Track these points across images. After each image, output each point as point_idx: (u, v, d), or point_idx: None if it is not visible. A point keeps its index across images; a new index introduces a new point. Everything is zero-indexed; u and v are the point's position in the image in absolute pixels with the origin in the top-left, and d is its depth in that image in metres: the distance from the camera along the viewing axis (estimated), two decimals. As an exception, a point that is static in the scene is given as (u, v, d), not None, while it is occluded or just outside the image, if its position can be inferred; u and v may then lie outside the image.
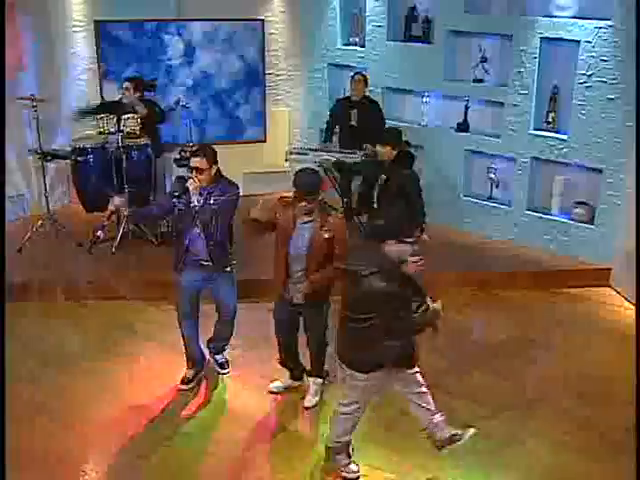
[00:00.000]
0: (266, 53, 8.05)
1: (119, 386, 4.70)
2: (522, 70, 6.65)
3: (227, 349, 4.91)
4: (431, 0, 7.18)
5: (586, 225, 6.66)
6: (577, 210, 6.72)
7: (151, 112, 6.61)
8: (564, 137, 6.59)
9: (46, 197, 6.82)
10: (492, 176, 7.24)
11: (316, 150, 6.90)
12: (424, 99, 7.47)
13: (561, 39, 6.38)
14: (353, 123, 6.94)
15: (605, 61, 6.15)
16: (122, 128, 6.40)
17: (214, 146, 4.40)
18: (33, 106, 6.39)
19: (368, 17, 7.53)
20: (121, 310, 5.75)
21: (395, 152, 5.30)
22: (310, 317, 4.38)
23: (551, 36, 6.42)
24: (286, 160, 6.99)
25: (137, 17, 7.45)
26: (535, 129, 6.79)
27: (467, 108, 7.22)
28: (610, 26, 6.06)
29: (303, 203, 4.04)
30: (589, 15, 6.21)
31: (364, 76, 6.90)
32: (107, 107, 6.68)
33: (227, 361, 4.91)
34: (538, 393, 4.67)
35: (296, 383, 4.75)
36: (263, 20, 7.90)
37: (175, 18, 7.62)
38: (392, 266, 3.39)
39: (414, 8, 7.37)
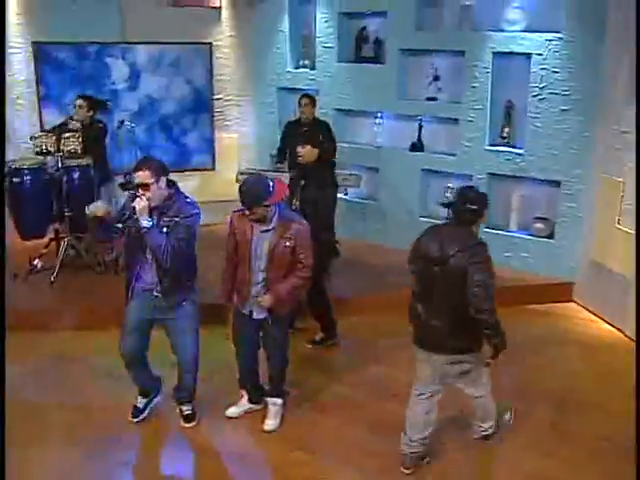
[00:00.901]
0: (214, 78, 7.96)
1: (66, 424, 4.28)
2: (476, 85, 6.73)
3: (193, 399, 4.34)
4: (382, 19, 7.23)
5: (546, 240, 6.64)
6: (537, 225, 6.73)
7: (101, 131, 6.43)
8: (520, 151, 6.63)
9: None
10: (448, 195, 7.17)
11: (266, 171, 6.76)
12: (377, 120, 7.48)
13: (513, 53, 6.51)
14: None
15: (557, 73, 6.27)
16: (62, 147, 6.12)
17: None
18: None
19: (318, 38, 7.58)
20: (64, 340, 5.39)
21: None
22: (271, 333, 4.17)
23: (503, 50, 6.54)
24: (236, 181, 6.82)
25: (79, 39, 7.28)
26: (491, 145, 6.84)
27: (421, 127, 7.25)
28: (560, 38, 6.20)
29: (255, 211, 3.89)
30: (539, 28, 6.36)
31: (312, 97, 6.86)
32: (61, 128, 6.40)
33: (194, 413, 4.33)
34: (519, 406, 4.44)
35: (255, 407, 4.49)
36: (211, 44, 7.87)
37: (119, 41, 7.49)
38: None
39: (364, 29, 7.45)
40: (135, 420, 4.30)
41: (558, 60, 6.24)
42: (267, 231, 3.97)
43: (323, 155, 5.46)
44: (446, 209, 3.77)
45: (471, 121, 6.83)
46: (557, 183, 6.50)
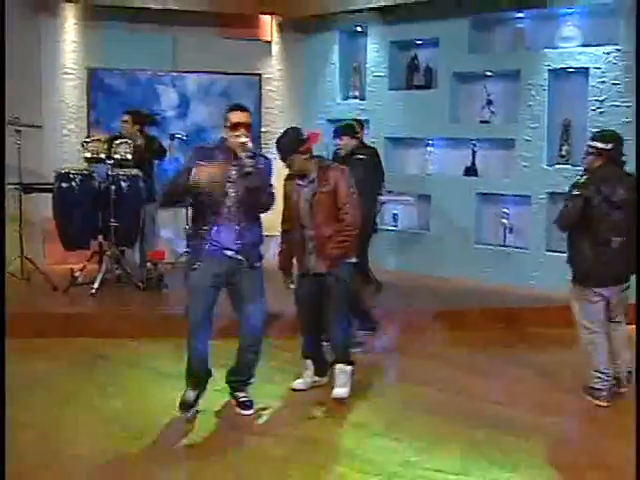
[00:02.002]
0: (262, 110, 8.23)
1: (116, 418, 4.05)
2: (532, 104, 6.86)
3: (252, 382, 4.17)
4: (432, 49, 7.49)
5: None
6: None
7: (149, 144, 6.57)
8: (581, 168, 6.59)
9: (20, 235, 6.54)
10: (504, 221, 7.19)
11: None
12: (428, 148, 7.61)
13: (569, 68, 6.68)
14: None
15: (617, 85, 6.39)
16: (113, 155, 6.28)
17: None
18: (17, 130, 6.36)
19: (369, 68, 7.87)
20: (103, 345, 5.31)
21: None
22: (332, 291, 4.19)
23: (559, 67, 6.72)
24: None
25: (132, 66, 7.65)
26: (549, 164, 6.84)
27: (474, 152, 7.33)
28: (618, 50, 6.36)
29: (290, 165, 4.13)
30: (595, 42, 6.55)
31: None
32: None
33: (251, 401, 4.12)
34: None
35: (320, 380, 4.47)
36: (260, 75, 8.21)
37: (171, 69, 7.85)
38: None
39: (415, 57, 7.73)
40: (186, 414, 3.99)
41: (617, 72, 6.37)
42: (309, 183, 4.15)
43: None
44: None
45: (528, 141, 6.90)
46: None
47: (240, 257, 3.82)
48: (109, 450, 3.58)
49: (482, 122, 7.28)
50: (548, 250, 6.90)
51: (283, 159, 4.12)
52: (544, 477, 3.40)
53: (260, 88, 8.22)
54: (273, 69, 8.33)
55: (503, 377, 4.79)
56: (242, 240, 3.80)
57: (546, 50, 6.79)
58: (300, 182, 4.19)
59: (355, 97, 8.03)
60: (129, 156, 6.30)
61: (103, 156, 6.29)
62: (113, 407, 4.15)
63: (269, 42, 8.23)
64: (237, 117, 3.77)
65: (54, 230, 6.56)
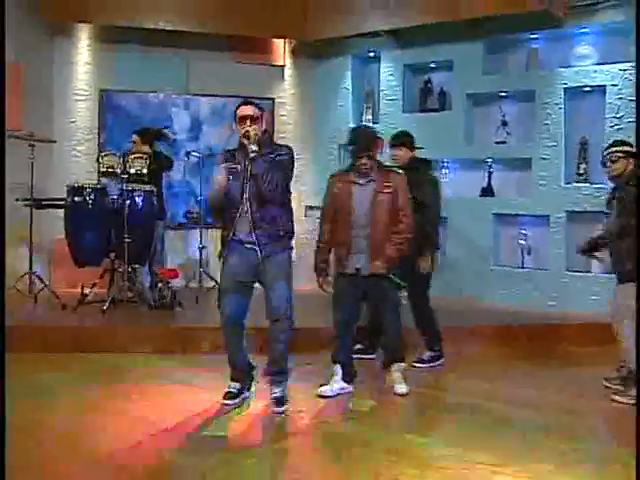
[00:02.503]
0: (275, 134, 8.31)
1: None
2: (548, 123, 6.98)
3: (284, 377, 4.13)
4: (447, 69, 7.66)
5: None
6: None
7: (154, 157, 6.60)
8: (601, 185, 6.68)
9: (30, 252, 6.52)
10: (522, 242, 7.21)
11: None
12: (444, 170, 7.67)
13: (585, 86, 6.83)
14: None
15: (633, 101, 6.49)
16: (128, 169, 6.31)
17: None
18: (30, 145, 6.42)
19: (382, 92, 8.01)
20: (121, 360, 5.25)
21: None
22: (382, 289, 4.33)
23: (575, 85, 6.88)
24: (305, 216, 6.99)
25: (144, 88, 7.78)
26: (566, 183, 6.92)
27: (490, 173, 7.41)
28: (634, 66, 6.48)
29: (363, 160, 4.24)
30: (611, 60, 6.72)
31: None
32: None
33: (284, 397, 4.09)
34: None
35: (347, 388, 4.45)
36: (273, 100, 8.34)
37: (183, 92, 7.99)
38: None
39: (429, 81, 7.88)
40: (229, 402, 4.10)
41: (633, 89, 6.48)
42: (368, 183, 4.28)
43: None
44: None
45: (545, 159, 6.99)
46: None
47: (257, 248, 3.92)
48: (148, 448, 3.52)
49: (497, 143, 7.39)
50: (568, 270, 6.89)
51: (358, 155, 4.25)
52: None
53: (273, 112, 8.33)
54: (286, 93, 8.48)
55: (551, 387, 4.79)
56: (259, 231, 3.91)
57: (561, 69, 6.96)
58: (359, 181, 4.30)
59: (369, 121, 8.11)
60: (145, 171, 6.34)
61: (118, 171, 6.32)
62: (141, 410, 4.08)
63: (282, 66, 8.41)
64: (241, 111, 3.98)
65: (62, 251, 6.55)
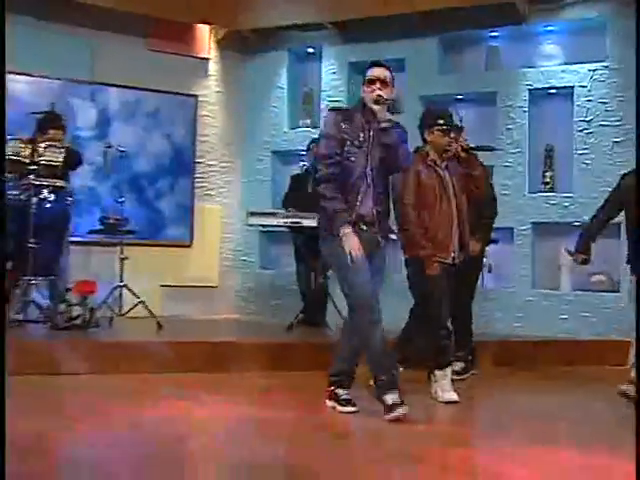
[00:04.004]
0: (197, 137, 8.28)
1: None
2: (511, 127, 7.29)
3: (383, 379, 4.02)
4: (398, 69, 7.81)
5: (608, 293, 6.77)
6: (596, 278, 6.89)
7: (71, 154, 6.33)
8: (569, 194, 7.04)
9: None
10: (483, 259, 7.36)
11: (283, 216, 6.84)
12: (394, 180, 7.80)
13: (552, 88, 7.23)
14: (310, 191, 7.03)
15: (605, 103, 6.96)
16: (37, 159, 5.99)
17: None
18: None
19: (323, 93, 8.17)
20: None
21: None
22: (463, 277, 4.84)
23: (540, 86, 7.26)
24: (250, 225, 7.07)
25: (39, 72, 7.45)
26: (531, 193, 7.19)
27: (447, 183, 7.58)
28: (605, 67, 6.96)
29: (448, 138, 4.72)
30: (579, 60, 7.16)
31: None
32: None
33: (400, 403, 3.95)
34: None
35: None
36: (196, 97, 8.31)
37: (89, 80, 7.74)
38: None
39: (377, 80, 8.04)
40: (351, 409, 4.12)
41: (605, 90, 6.96)
42: (446, 165, 4.71)
43: None
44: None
45: (508, 167, 7.27)
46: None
47: (376, 229, 4.06)
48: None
49: (454, 150, 7.60)
50: (534, 288, 7.11)
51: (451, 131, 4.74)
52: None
53: (196, 111, 8.29)
54: (210, 91, 8.45)
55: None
56: (380, 207, 4.06)
57: (525, 69, 7.34)
58: (441, 164, 4.68)
59: (306, 126, 8.26)
60: (60, 161, 6.07)
61: (27, 160, 6.01)
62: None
63: (206, 59, 8.39)
64: (372, 72, 4.09)
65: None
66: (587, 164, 6.97)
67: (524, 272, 7.17)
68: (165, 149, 8.19)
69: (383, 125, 3.96)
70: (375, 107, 3.99)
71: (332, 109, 4.28)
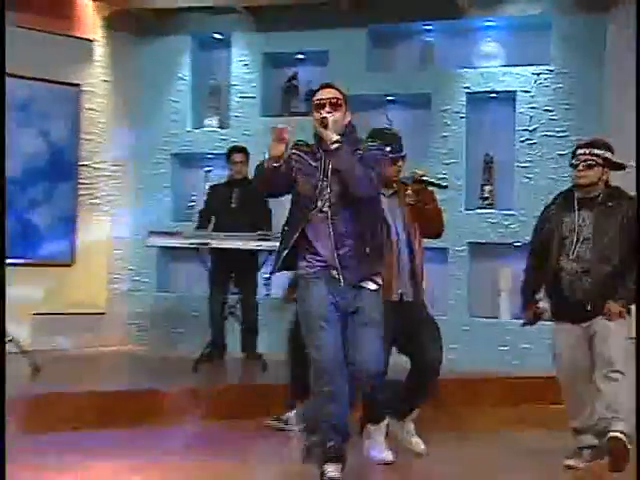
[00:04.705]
0: (81, 135, 8.51)
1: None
2: (446, 134, 7.95)
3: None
4: (319, 63, 8.50)
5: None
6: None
7: None
8: (510, 212, 7.71)
9: None
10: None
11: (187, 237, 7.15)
12: (315, 190, 8.32)
13: (492, 92, 7.93)
14: (234, 206, 7.42)
15: (550, 111, 7.69)
16: None
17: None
18: None
19: (234, 87, 8.66)
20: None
21: None
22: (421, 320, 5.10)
23: (479, 90, 7.95)
24: (148, 246, 7.45)
25: None
26: (468, 209, 7.81)
27: (374, 196, 8.14)
28: (550, 71, 7.69)
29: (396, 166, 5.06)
30: (522, 62, 7.87)
31: (245, 151, 7.53)
32: None
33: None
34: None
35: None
36: (79, 86, 8.48)
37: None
38: None
39: (295, 76, 8.67)
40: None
41: (550, 96, 7.69)
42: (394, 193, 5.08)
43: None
44: None
45: (442, 179, 7.76)
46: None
47: (339, 274, 4.20)
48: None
49: (382, 158, 8.18)
50: (471, 316, 7.73)
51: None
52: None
53: (78, 104, 8.48)
54: (96, 79, 8.61)
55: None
56: (346, 249, 4.20)
57: (463, 70, 8.03)
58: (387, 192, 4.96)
59: (213, 125, 8.70)
60: None
61: None
62: None
63: (90, 41, 8.51)
64: (319, 95, 4.30)
65: None
66: (529, 178, 7.67)
67: (459, 298, 7.80)
68: (40, 149, 8.21)
69: (333, 147, 4.13)
70: (322, 130, 4.16)
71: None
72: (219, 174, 8.34)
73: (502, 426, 6.11)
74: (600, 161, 4.74)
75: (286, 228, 4.34)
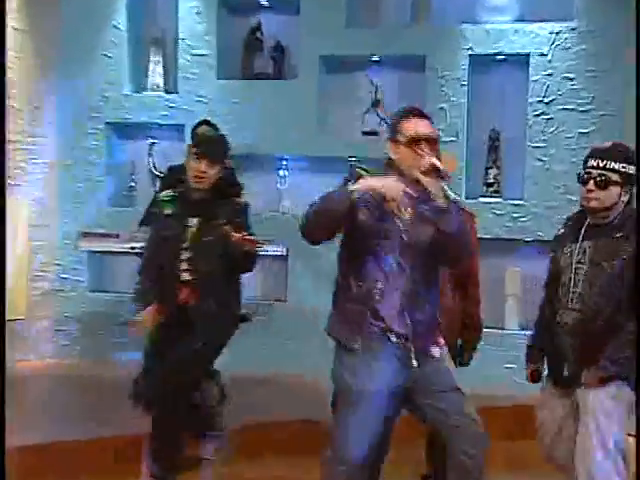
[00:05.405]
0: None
1: None
2: (443, 106, 7.97)
3: None
4: (288, 12, 8.49)
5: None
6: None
7: None
8: (518, 202, 7.79)
9: None
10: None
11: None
12: (282, 172, 8.44)
13: (500, 54, 7.92)
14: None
15: (570, 80, 7.70)
16: None
17: None
18: None
19: (183, 41, 8.59)
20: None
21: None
22: None
23: (485, 52, 7.92)
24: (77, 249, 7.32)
25: None
26: (469, 198, 7.86)
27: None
28: (573, 29, 7.69)
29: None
30: (539, 17, 7.86)
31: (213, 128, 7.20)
32: None
33: None
34: None
35: None
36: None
37: None
38: None
39: (259, 27, 8.61)
40: None
41: (571, 61, 7.68)
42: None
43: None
44: None
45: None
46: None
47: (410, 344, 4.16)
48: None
49: (366, 134, 8.25)
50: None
51: None
52: None
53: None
54: (6, 28, 8.31)
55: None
56: (416, 313, 4.17)
57: (464, 26, 7.98)
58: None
59: (157, 88, 8.64)
60: None
61: None
62: None
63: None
64: (416, 127, 4.13)
65: None
66: (544, 161, 7.71)
67: (459, 305, 7.83)
68: None
69: (438, 205, 3.99)
70: (429, 180, 3.96)
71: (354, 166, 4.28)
72: (167, 148, 8.42)
73: (514, 466, 6.16)
74: (618, 178, 4.21)
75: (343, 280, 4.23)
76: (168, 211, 5.21)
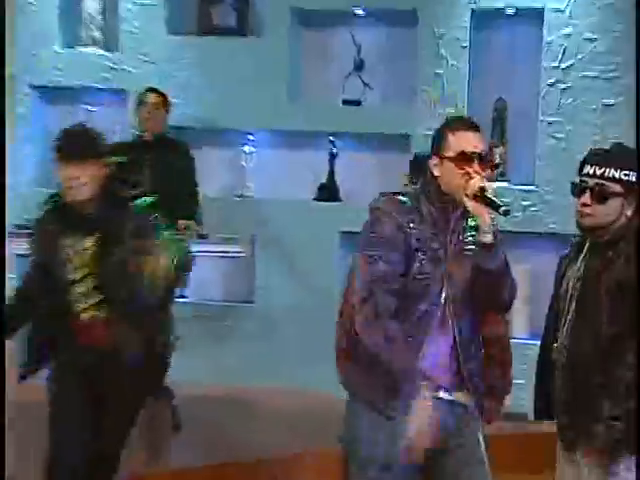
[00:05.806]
0: None
1: None
2: (440, 71, 7.57)
3: None
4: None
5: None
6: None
7: None
8: (529, 187, 7.44)
9: None
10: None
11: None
12: (247, 148, 8.03)
13: (508, 8, 7.53)
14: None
15: (592, 41, 7.32)
16: None
17: None
18: None
19: (124, -10, 8.25)
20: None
21: None
22: None
23: (490, 5, 7.57)
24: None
25: None
26: (471, 181, 7.48)
27: (333, 156, 7.83)
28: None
29: None
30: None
31: (162, 95, 7.20)
32: None
33: None
34: None
35: None
36: None
37: None
38: None
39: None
40: None
41: (593, 18, 7.30)
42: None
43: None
44: None
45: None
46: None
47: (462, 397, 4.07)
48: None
49: (347, 103, 7.89)
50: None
51: None
52: None
53: None
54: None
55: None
56: (468, 366, 4.04)
57: (467, -24, 7.66)
58: None
59: (95, 44, 8.30)
60: None
61: None
62: None
63: None
64: (466, 141, 3.91)
65: None
66: (559, 139, 7.36)
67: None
68: None
69: (484, 239, 3.88)
70: (472, 204, 3.84)
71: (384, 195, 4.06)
72: (106, 115, 8.24)
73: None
74: (619, 189, 3.87)
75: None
76: (47, 236, 4.78)
